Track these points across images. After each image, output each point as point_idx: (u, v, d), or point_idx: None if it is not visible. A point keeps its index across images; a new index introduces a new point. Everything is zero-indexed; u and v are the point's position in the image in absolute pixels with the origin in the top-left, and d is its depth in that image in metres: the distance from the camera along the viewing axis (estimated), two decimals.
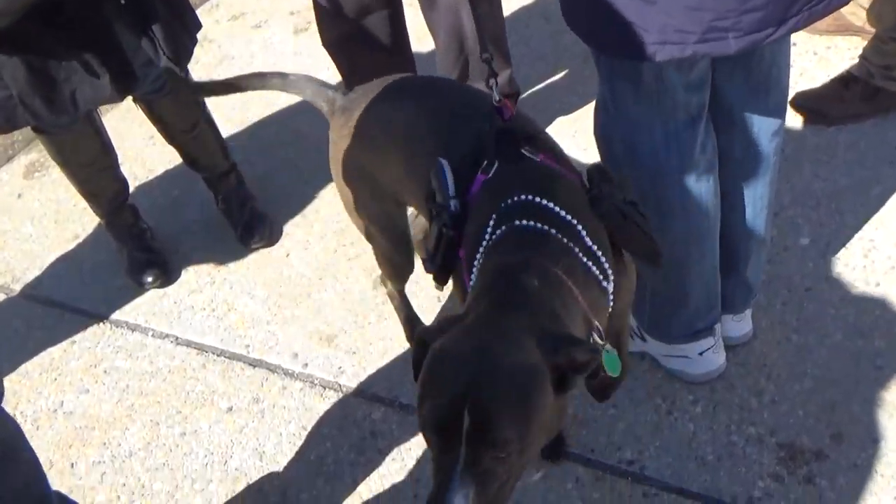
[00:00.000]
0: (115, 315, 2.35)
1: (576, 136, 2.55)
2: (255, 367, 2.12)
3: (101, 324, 2.33)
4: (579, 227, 1.27)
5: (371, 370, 2.05)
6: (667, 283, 1.71)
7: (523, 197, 1.28)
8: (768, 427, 1.77)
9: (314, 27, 3.28)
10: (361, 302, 2.22)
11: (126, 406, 2.10)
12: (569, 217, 1.27)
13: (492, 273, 1.22)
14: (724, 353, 1.85)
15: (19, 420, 2.11)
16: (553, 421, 1.12)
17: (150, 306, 2.35)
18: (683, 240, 1.62)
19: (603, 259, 1.28)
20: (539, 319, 1.13)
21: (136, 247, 2.42)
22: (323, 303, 2.24)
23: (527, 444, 1.04)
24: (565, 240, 1.24)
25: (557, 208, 1.27)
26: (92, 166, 2.27)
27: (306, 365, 2.10)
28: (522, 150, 1.34)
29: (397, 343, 2.10)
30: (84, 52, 1.91)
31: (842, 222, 2.16)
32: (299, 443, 1.93)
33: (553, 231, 1.24)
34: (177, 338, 2.25)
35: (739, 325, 1.88)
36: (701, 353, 1.80)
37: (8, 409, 2.16)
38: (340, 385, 2.03)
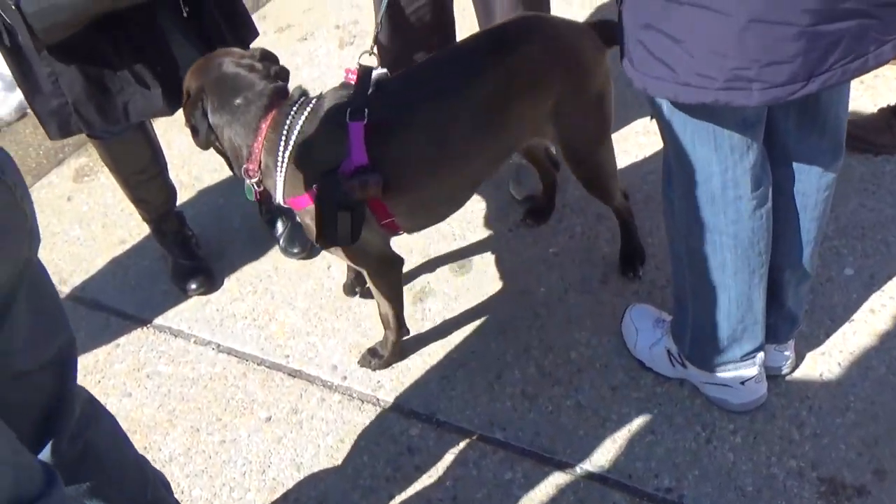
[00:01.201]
0: (159, 320, 2.39)
1: (619, 154, 2.55)
2: (294, 377, 2.15)
3: (145, 328, 2.38)
4: (283, 145, 1.71)
5: (409, 385, 2.06)
6: (712, 311, 1.70)
7: (311, 95, 1.80)
8: (809, 460, 1.76)
9: (358, 41, 3.34)
10: None
11: (167, 411, 2.13)
12: (295, 130, 1.70)
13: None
14: (765, 384, 1.84)
15: None
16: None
17: (193, 312, 2.39)
18: (733, 270, 1.62)
19: (278, 172, 1.73)
20: (226, 99, 1.76)
21: (182, 254, 2.47)
22: (363, 316, 2.26)
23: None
24: (285, 130, 1.71)
25: (299, 125, 1.71)
26: (142, 173, 2.32)
27: (345, 377, 2.12)
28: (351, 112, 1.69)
29: (435, 359, 2.11)
30: (138, 63, 1.96)
31: (887, 253, 2.14)
32: (337, 455, 1.95)
33: (286, 124, 1.71)
34: (218, 345, 2.28)
35: (782, 355, 1.87)
36: (742, 383, 1.79)
37: None
38: (378, 399, 2.05)
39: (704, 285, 1.68)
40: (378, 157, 1.69)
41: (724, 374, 1.79)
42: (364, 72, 1.72)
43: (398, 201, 1.76)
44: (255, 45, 3.42)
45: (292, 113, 1.72)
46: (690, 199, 1.54)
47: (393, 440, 1.95)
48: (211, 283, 2.45)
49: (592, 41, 1.87)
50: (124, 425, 2.10)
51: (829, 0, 1.18)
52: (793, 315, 1.82)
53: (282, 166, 1.72)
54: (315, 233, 1.73)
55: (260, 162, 1.74)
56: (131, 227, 2.72)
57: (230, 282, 2.47)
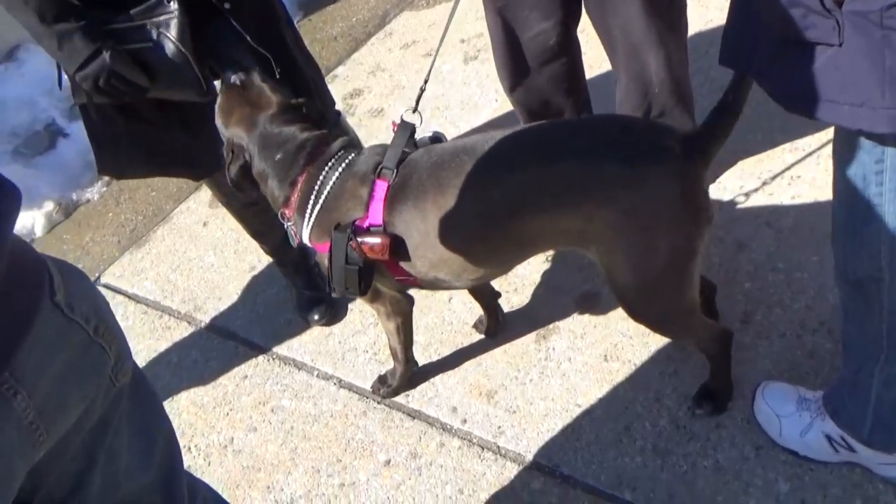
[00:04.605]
0: (284, 351, 2.41)
1: (762, 175, 2.33)
2: (413, 418, 2.10)
3: (271, 359, 2.40)
4: (314, 199, 1.73)
5: (531, 433, 1.96)
6: None
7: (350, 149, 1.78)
8: None
9: (483, 55, 3.25)
10: (524, 356, 2.13)
11: (290, 449, 2.14)
12: (327, 186, 1.72)
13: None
14: None
15: (193, 453, 2.21)
16: None
17: (316, 345, 2.39)
18: None
19: (305, 224, 1.76)
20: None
21: (304, 284, 2.47)
22: (484, 354, 2.18)
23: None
24: (318, 184, 1.73)
25: (331, 181, 1.72)
26: (255, 205, 2.32)
27: (465, 421, 2.04)
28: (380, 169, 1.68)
29: (559, 404, 2.00)
30: (182, 130, 2.09)
31: None
32: None
33: (319, 179, 1.73)
34: (340, 380, 2.27)
35: None
36: None
37: (183, 441, 2.27)
38: (499, 447, 1.96)
39: None
40: (394, 218, 1.64)
41: None
42: (404, 129, 1.67)
43: (410, 264, 1.70)
44: (382, 62, 3.42)
45: (327, 168, 1.73)
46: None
47: (514, 494, 1.86)
48: (333, 315, 2.44)
49: (689, 171, 1.49)
50: (249, 462, 2.15)
51: None
52: None
53: (310, 218, 1.74)
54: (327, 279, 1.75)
55: (293, 210, 1.79)
56: (260, 254, 2.75)
57: (352, 313, 2.45)
